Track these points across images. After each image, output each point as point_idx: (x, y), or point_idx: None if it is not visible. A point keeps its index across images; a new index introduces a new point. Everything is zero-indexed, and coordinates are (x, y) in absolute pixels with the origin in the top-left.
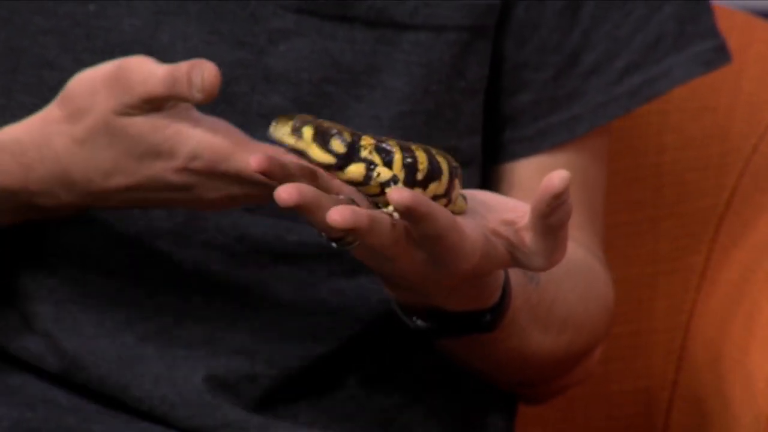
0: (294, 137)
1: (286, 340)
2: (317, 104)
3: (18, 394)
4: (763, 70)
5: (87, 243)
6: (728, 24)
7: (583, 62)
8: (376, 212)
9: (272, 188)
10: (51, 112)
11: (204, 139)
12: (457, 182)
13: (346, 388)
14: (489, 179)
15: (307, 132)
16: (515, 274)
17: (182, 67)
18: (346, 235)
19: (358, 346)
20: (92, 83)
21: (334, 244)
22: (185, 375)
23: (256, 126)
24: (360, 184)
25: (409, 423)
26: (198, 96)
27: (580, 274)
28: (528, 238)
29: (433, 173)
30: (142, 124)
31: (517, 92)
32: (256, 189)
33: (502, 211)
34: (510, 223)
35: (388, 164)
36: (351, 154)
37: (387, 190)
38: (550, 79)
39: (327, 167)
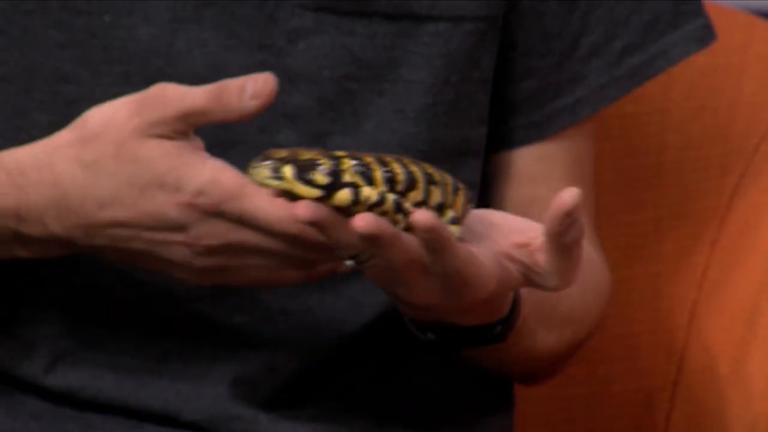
0: (275, 180)
1: (293, 339)
2: (339, 101)
3: (22, 405)
4: (765, 70)
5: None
6: (729, 24)
7: (583, 46)
8: (397, 229)
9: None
10: (61, 135)
11: (215, 175)
12: (460, 198)
13: (346, 386)
14: (487, 169)
15: (287, 171)
16: None
17: (231, 81)
18: (363, 251)
19: (358, 346)
20: (112, 108)
21: (349, 262)
22: (197, 375)
23: (280, 126)
24: (348, 207)
25: (408, 420)
26: (251, 103)
27: None
28: (542, 259)
29: (410, 182)
30: (154, 147)
31: (523, 79)
32: (255, 237)
33: (515, 233)
34: (524, 246)
35: (369, 182)
36: (335, 182)
37: (407, 213)
38: (554, 64)
39: (314, 200)
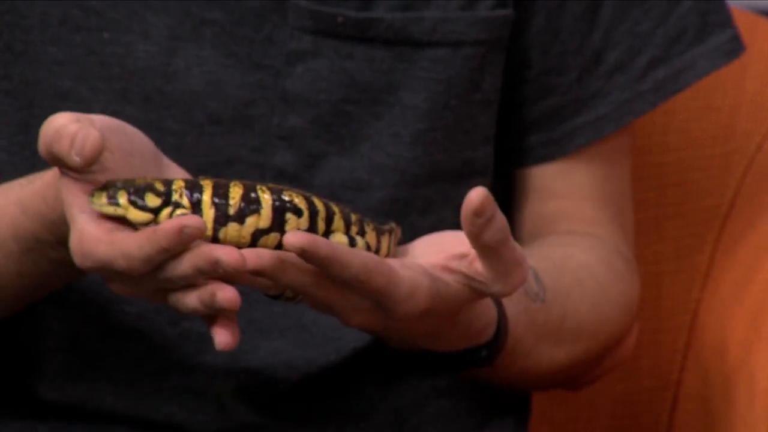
0: (112, 207)
1: (305, 346)
2: (336, 124)
3: (24, 419)
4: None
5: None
6: None
7: (606, 61)
8: (282, 252)
9: None
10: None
11: (79, 235)
12: (385, 238)
13: (358, 389)
14: (511, 185)
15: (122, 197)
16: (515, 299)
17: (70, 127)
18: (284, 289)
19: (358, 357)
20: None
21: (280, 300)
22: (198, 387)
23: (275, 148)
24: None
25: (421, 424)
26: (75, 159)
27: (591, 279)
28: (479, 266)
29: (249, 208)
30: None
31: (543, 98)
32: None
33: (453, 246)
34: (462, 256)
35: (197, 203)
36: (166, 202)
37: (285, 236)
38: (574, 81)
39: (147, 224)
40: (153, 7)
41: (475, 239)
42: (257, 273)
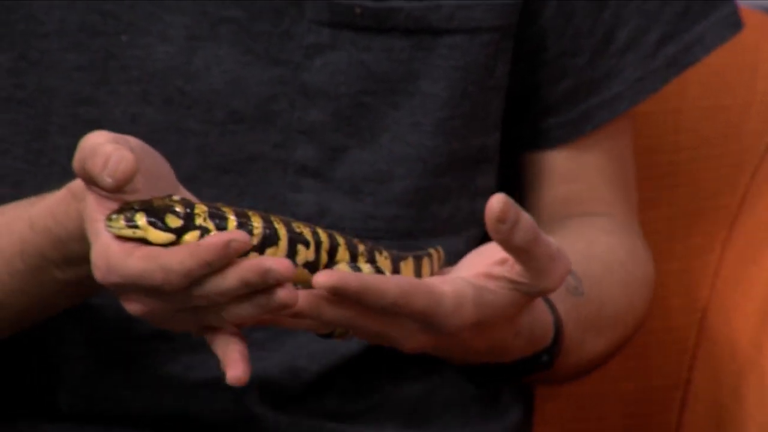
0: (131, 229)
1: (313, 345)
2: (357, 116)
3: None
4: None
5: None
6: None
7: (618, 40)
8: (316, 291)
9: None
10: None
11: (102, 249)
12: (425, 262)
13: (370, 381)
14: (522, 169)
15: (141, 219)
16: (562, 298)
17: (105, 148)
18: (334, 328)
19: (378, 348)
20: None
21: (332, 339)
22: (217, 379)
23: (297, 143)
24: None
25: (430, 415)
26: (107, 181)
27: (618, 263)
28: (519, 268)
29: (270, 238)
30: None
31: (558, 80)
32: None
33: (493, 253)
34: (503, 262)
35: (222, 230)
36: (187, 224)
37: (314, 276)
38: (587, 62)
39: (168, 245)
40: (170, 8)
41: (506, 244)
42: (296, 315)
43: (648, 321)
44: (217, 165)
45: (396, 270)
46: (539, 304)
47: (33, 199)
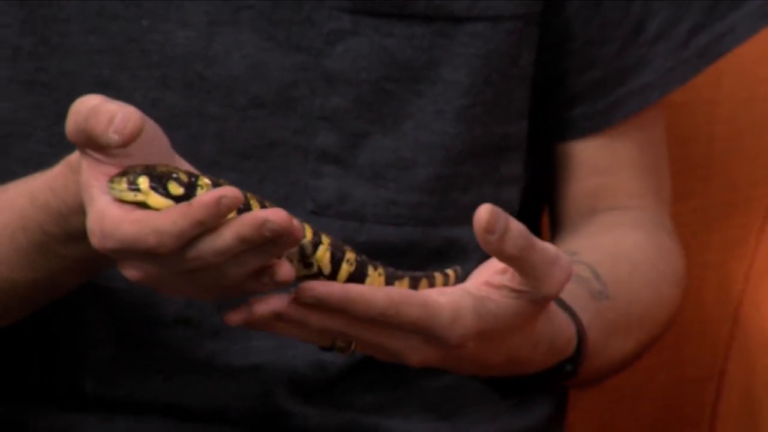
0: (132, 192)
1: None
2: (378, 103)
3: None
4: None
5: None
6: None
7: (648, 30)
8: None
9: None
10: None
11: (100, 214)
12: (423, 283)
13: (399, 373)
14: (553, 160)
15: (143, 183)
16: (585, 305)
17: (109, 105)
18: (334, 340)
19: None
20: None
21: (334, 351)
22: (245, 373)
23: (318, 130)
24: None
25: (460, 406)
26: (114, 137)
27: (647, 262)
28: (518, 276)
29: None
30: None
31: (586, 70)
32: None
33: (496, 263)
34: (505, 270)
35: None
36: (189, 195)
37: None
38: (616, 51)
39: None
40: None
41: (498, 254)
42: (281, 318)
43: (682, 313)
44: (237, 150)
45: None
46: (559, 314)
47: (35, 175)
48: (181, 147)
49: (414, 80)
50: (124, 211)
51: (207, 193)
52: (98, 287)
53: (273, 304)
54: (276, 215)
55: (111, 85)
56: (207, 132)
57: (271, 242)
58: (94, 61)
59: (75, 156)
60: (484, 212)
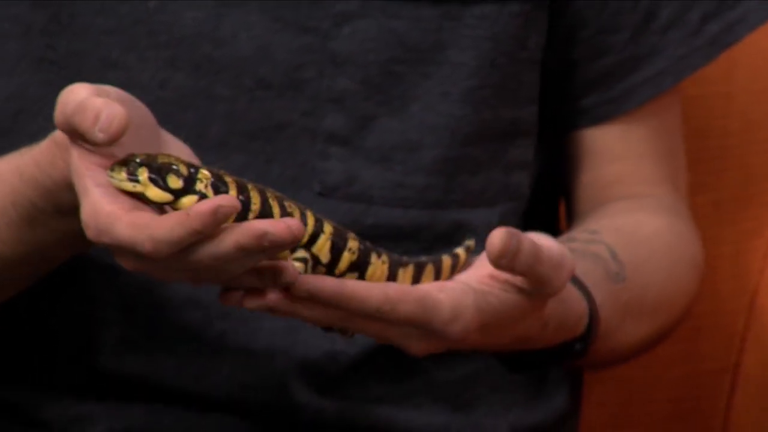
0: (131, 183)
1: None
2: (386, 85)
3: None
4: None
5: None
6: None
7: (660, 17)
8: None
9: None
10: None
11: (93, 207)
12: (428, 270)
13: (412, 365)
14: (568, 149)
15: (143, 174)
16: (600, 283)
17: (95, 102)
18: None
19: None
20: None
21: (333, 333)
22: (259, 364)
23: (325, 111)
24: None
25: (475, 398)
26: (99, 135)
27: (665, 247)
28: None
29: (264, 215)
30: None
31: (598, 57)
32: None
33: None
34: None
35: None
36: (187, 187)
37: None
38: (629, 39)
39: (165, 204)
40: None
41: (510, 272)
42: (269, 311)
43: (697, 305)
44: (245, 131)
45: (393, 275)
46: (572, 291)
47: (23, 150)
48: (188, 128)
49: (421, 62)
50: (118, 209)
51: (204, 203)
52: (106, 267)
53: (266, 299)
54: (275, 227)
55: (119, 66)
56: (215, 113)
57: (270, 249)
58: (102, 42)
59: (61, 133)
60: (497, 239)
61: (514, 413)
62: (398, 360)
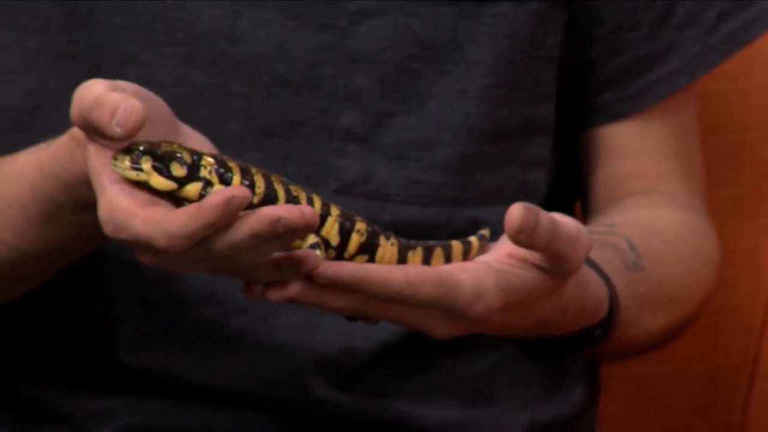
0: (135, 172)
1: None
2: (403, 82)
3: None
4: None
5: None
6: None
7: (676, 15)
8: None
9: None
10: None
11: (110, 205)
12: (437, 253)
13: (430, 359)
14: (584, 146)
15: (146, 163)
16: (618, 271)
17: (111, 97)
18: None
19: None
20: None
21: (358, 321)
22: (283, 357)
23: (342, 109)
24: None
25: (493, 393)
26: (116, 130)
27: (681, 241)
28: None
29: (269, 199)
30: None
31: (615, 55)
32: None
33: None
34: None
35: (227, 184)
36: (191, 175)
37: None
38: (646, 36)
39: (169, 193)
40: None
41: (529, 247)
42: (292, 301)
43: (715, 301)
44: (261, 129)
45: (402, 258)
46: (592, 277)
47: (43, 145)
48: (205, 125)
49: (438, 60)
50: (133, 205)
51: (216, 194)
52: (124, 264)
53: (289, 290)
54: (289, 212)
55: (136, 62)
56: (231, 110)
57: (285, 234)
58: (120, 38)
59: (77, 130)
60: (516, 214)
61: (532, 408)
62: (416, 355)
